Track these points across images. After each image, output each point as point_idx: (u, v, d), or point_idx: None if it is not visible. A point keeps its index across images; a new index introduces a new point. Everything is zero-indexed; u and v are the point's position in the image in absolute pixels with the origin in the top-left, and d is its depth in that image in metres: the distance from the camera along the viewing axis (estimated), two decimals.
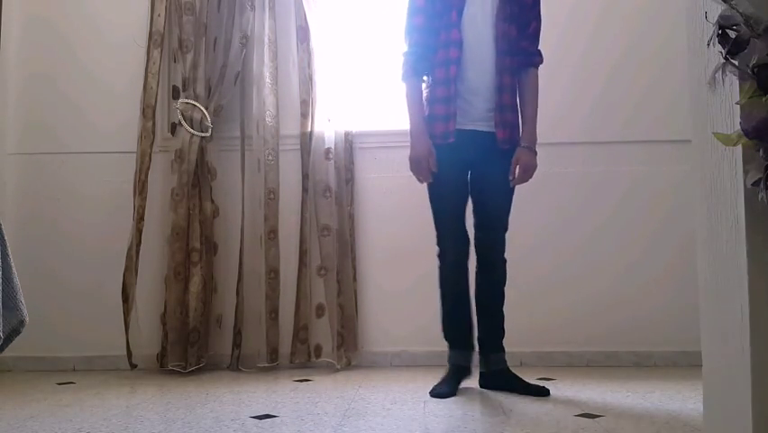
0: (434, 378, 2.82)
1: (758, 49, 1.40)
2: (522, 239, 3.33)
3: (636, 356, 3.24)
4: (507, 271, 2.73)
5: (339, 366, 3.19)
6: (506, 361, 2.72)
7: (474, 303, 2.72)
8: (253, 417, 2.28)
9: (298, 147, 3.39)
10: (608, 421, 2.15)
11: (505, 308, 2.74)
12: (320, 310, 3.28)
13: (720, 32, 1.43)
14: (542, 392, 2.59)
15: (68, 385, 2.97)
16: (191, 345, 3.18)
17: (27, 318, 2.07)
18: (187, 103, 3.32)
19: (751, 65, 1.41)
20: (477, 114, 2.64)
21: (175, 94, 3.43)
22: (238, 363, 3.24)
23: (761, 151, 1.42)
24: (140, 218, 3.26)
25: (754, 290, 1.62)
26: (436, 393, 2.59)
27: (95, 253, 3.41)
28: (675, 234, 3.18)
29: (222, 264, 3.37)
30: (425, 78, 2.70)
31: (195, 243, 3.26)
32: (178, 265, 3.23)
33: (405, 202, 3.35)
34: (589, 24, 3.41)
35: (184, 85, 3.34)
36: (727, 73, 1.48)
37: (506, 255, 2.72)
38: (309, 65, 3.39)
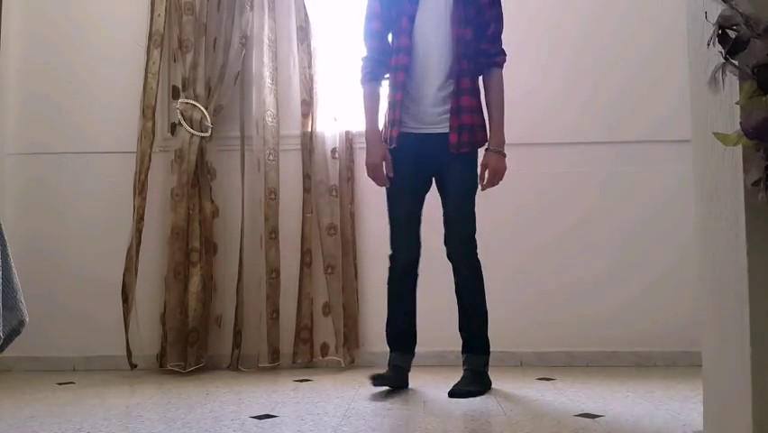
0: (435, 378, 2.82)
1: (758, 49, 1.40)
2: (521, 239, 3.34)
3: (636, 356, 3.24)
4: (486, 272, 2.72)
5: (344, 365, 3.20)
6: (487, 363, 2.70)
7: (457, 303, 2.73)
8: (253, 417, 2.28)
9: (299, 147, 3.39)
10: (607, 421, 2.15)
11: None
12: (326, 309, 3.28)
13: (720, 31, 1.43)
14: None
15: (68, 385, 2.97)
16: (191, 345, 3.18)
17: (27, 318, 2.07)
18: (186, 103, 3.32)
19: (751, 65, 1.41)
20: (430, 118, 2.64)
21: (175, 94, 3.43)
22: (238, 364, 3.24)
23: (761, 151, 1.42)
24: (139, 218, 3.26)
25: (754, 290, 1.62)
26: (377, 379, 2.62)
27: (94, 254, 3.41)
28: (675, 234, 3.18)
29: (221, 264, 3.37)
30: (381, 82, 2.74)
31: (194, 243, 3.26)
32: (178, 265, 3.23)
33: None
34: (589, 24, 3.41)
35: (184, 85, 3.34)
36: (727, 73, 1.48)
37: (479, 256, 2.72)
38: (309, 65, 3.39)
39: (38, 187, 3.47)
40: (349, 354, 3.25)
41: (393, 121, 2.66)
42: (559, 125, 3.37)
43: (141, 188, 3.28)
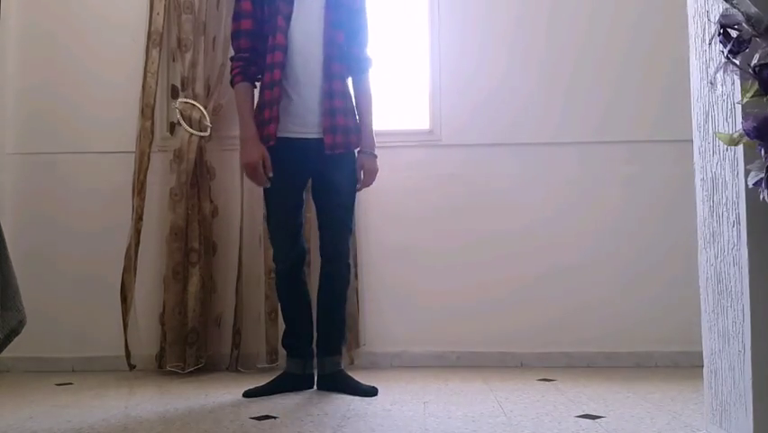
0: (435, 378, 2.82)
1: (760, 48, 1.40)
2: (521, 239, 3.34)
3: (637, 357, 3.23)
4: (353, 275, 2.78)
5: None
6: (340, 363, 2.74)
7: (316, 306, 2.74)
8: (253, 418, 2.28)
9: None
10: (608, 422, 2.15)
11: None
12: None
13: (722, 31, 1.43)
14: (369, 393, 2.61)
15: (67, 386, 2.97)
16: (190, 345, 3.18)
17: (26, 319, 2.06)
18: (185, 102, 3.31)
19: (752, 65, 1.40)
20: (307, 119, 2.64)
21: (174, 93, 3.42)
22: (237, 364, 3.24)
23: (762, 151, 1.42)
24: (138, 218, 3.25)
25: (754, 290, 1.62)
26: (247, 392, 2.64)
27: (93, 253, 3.40)
28: (675, 234, 3.17)
29: (221, 264, 3.36)
30: (256, 83, 2.72)
31: (193, 243, 3.25)
32: (177, 265, 3.22)
33: (405, 201, 3.36)
34: (590, 23, 3.41)
35: (183, 84, 3.33)
36: (729, 73, 1.47)
37: (351, 259, 2.76)
38: None
39: (38, 187, 3.47)
40: (348, 354, 3.24)
41: (270, 118, 2.62)
42: (560, 126, 3.37)
43: (140, 187, 3.27)
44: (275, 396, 2.62)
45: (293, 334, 2.75)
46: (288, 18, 2.63)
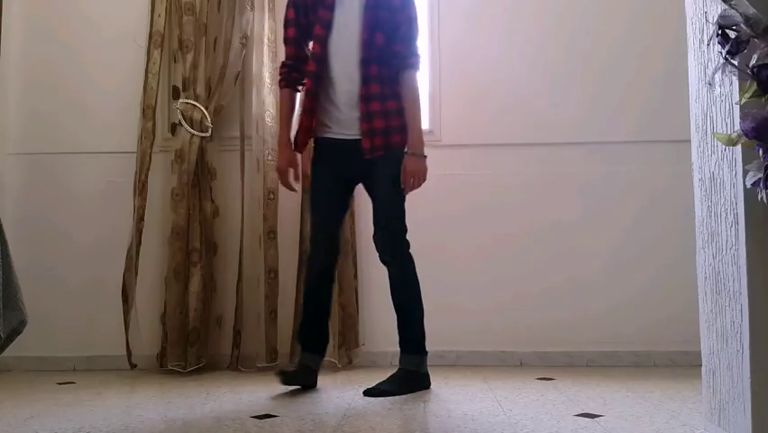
0: (434, 377, 2.82)
1: (758, 49, 1.41)
2: (521, 240, 3.34)
3: (636, 356, 3.24)
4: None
5: (340, 365, 3.20)
6: (420, 364, 2.71)
7: (394, 308, 2.74)
8: (253, 416, 2.28)
9: None
10: (607, 421, 2.15)
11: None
12: None
13: (720, 32, 1.43)
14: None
15: (69, 385, 2.97)
16: (191, 344, 3.18)
17: (27, 318, 2.07)
18: (187, 103, 3.32)
19: (751, 65, 1.41)
20: (348, 124, 2.68)
21: (175, 94, 3.43)
22: (238, 363, 3.24)
23: (760, 151, 1.42)
24: (140, 218, 3.26)
25: (753, 289, 1.63)
26: (285, 377, 2.64)
27: (95, 253, 3.41)
28: (675, 234, 3.18)
29: (222, 264, 3.37)
30: (299, 88, 2.80)
31: (195, 243, 3.26)
32: (178, 265, 3.23)
33: (405, 201, 3.35)
34: (590, 23, 3.41)
35: (184, 85, 3.34)
36: (727, 73, 1.48)
37: (411, 252, 2.72)
38: None
39: (39, 187, 3.47)
40: (347, 354, 3.25)
41: (309, 128, 2.71)
42: (557, 126, 3.38)
43: (141, 188, 3.28)
44: (274, 397, 2.63)
45: (309, 330, 2.75)
46: (327, 26, 2.68)
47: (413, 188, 2.68)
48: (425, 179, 2.68)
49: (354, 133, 2.68)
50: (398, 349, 2.74)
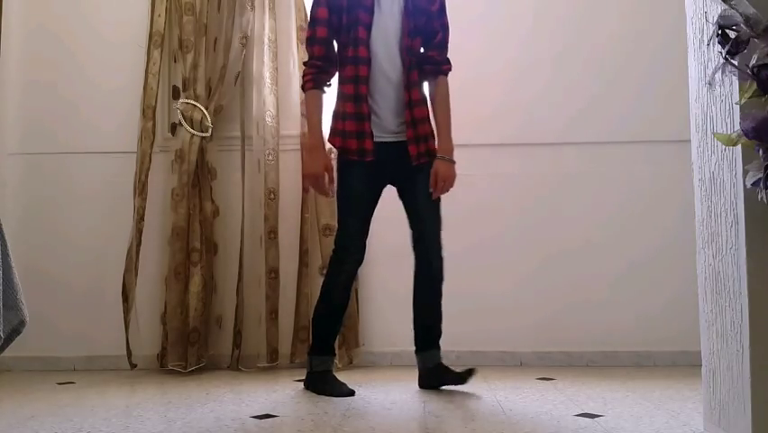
0: None
1: (758, 49, 1.41)
2: (521, 240, 3.35)
3: (636, 356, 3.24)
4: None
5: (340, 365, 3.20)
6: (440, 356, 2.74)
7: (413, 303, 2.75)
8: (254, 417, 2.28)
9: (298, 147, 3.38)
10: (607, 421, 2.15)
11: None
12: None
13: (720, 32, 1.44)
14: (470, 374, 2.64)
15: (69, 385, 2.97)
16: (191, 344, 3.19)
17: (27, 318, 2.07)
18: (187, 103, 3.32)
19: (751, 65, 1.41)
20: (388, 127, 2.65)
21: (175, 94, 3.43)
22: (238, 363, 3.24)
23: (760, 151, 1.42)
24: (140, 218, 3.26)
25: (753, 289, 1.63)
26: (339, 392, 2.59)
27: (95, 254, 3.41)
28: (675, 234, 3.18)
29: (222, 264, 3.37)
30: (325, 89, 2.72)
31: (195, 243, 3.26)
32: (179, 265, 3.23)
33: None
34: (590, 23, 3.41)
35: (184, 85, 3.34)
36: (727, 73, 1.48)
37: (443, 253, 2.72)
38: None
39: (38, 187, 3.48)
40: (348, 354, 3.25)
41: (363, 132, 2.62)
42: (557, 126, 3.38)
43: (141, 188, 3.28)
44: (275, 395, 2.63)
45: (332, 333, 2.72)
46: (369, 28, 2.62)
47: (442, 192, 2.67)
48: (453, 185, 2.67)
49: (394, 137, 2.65)
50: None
